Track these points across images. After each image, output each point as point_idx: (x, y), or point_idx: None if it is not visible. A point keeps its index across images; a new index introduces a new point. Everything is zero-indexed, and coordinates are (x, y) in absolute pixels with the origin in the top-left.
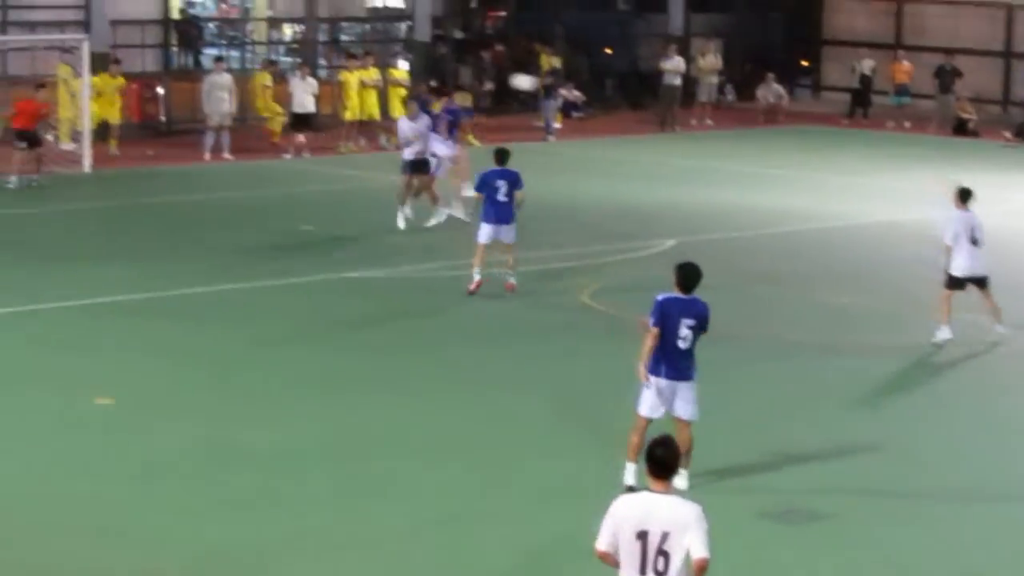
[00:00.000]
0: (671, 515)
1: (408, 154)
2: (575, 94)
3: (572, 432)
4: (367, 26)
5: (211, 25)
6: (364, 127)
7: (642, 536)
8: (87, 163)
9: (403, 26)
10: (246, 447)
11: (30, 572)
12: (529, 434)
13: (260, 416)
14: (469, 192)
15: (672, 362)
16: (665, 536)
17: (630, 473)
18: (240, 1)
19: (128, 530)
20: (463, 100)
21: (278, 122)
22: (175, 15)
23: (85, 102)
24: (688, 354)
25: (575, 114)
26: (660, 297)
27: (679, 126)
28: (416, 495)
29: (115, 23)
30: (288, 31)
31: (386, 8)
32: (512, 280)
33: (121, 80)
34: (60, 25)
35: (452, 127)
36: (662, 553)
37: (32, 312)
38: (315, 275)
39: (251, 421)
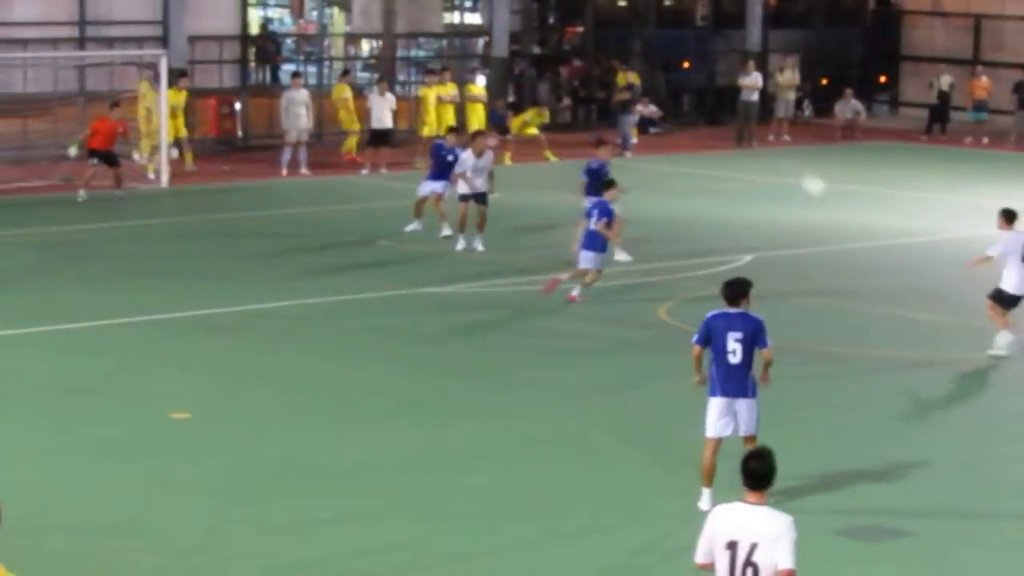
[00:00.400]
0: (761, 527)
1: (466, 187)
2: (652, 109)
3: (642, 450)
4: (444, 42)
5: (289, 41)
6: None
7: (732, 547)
8: (164, 179)
9: (480, 42)
10: (320, 465)
11: None
12: (600, 453)
13: (334, 434)
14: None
15: (726, 379)
16: (754, 547)
17: (705, 499)
18: (318, 17)
19: (212, 547)
20: (605, 154)
21: (353, 139)
22: (253, 31)
23: (163, 118)
24: (740, 369)
25: (652, 130)
26: (708, 314)
27: (756, 142)
28: (493, 512)
29: (193, 39)
30: (366, 47)
31: (463, 24)
32: (575, 293)
33: (184, 94)
34: (138, 41)
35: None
36: (750, 564)
37: (108, 326)
38: (392, 291)
39: (324, 439)
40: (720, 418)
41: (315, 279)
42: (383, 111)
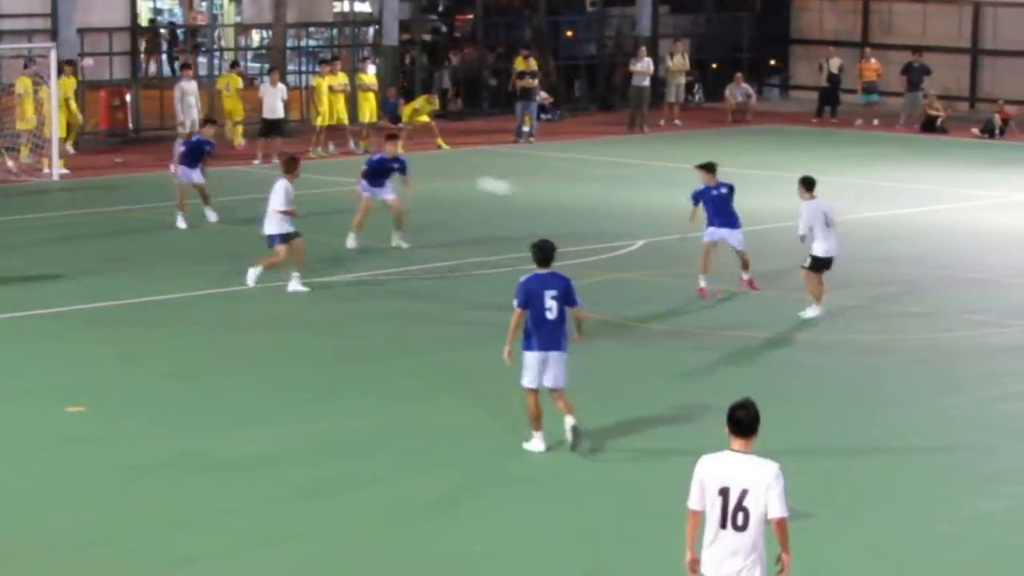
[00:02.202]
0: (751, 473)
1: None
2: (543, 96)
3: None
4: (335, 31)
5: (179, 32)
6: (333, 132)
7: (723, 492)
8: (54, 172)
9: (371, 31)
10: (216, 457)
11: None
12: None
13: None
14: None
15: (543, 334)
16: (744, 493)
17: (538, 440)
18: (208, 7)
19: (110, 539)
20: (391, 148)
21: (238, 130)
22: (143, 22)
23: (54, 111)
24: (555, 325)
25: (543, 116)
26: (523, 279)
27: (648, 127)
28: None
29: (83, 31)
30: (256, 37)
31: (354, 13)
32: (745, 276)
33: (72, 80)
34: (28, 34)
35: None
36: (741, 509)
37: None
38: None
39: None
40: (534, 370)
41: (208, 268)
42: (275, 101)
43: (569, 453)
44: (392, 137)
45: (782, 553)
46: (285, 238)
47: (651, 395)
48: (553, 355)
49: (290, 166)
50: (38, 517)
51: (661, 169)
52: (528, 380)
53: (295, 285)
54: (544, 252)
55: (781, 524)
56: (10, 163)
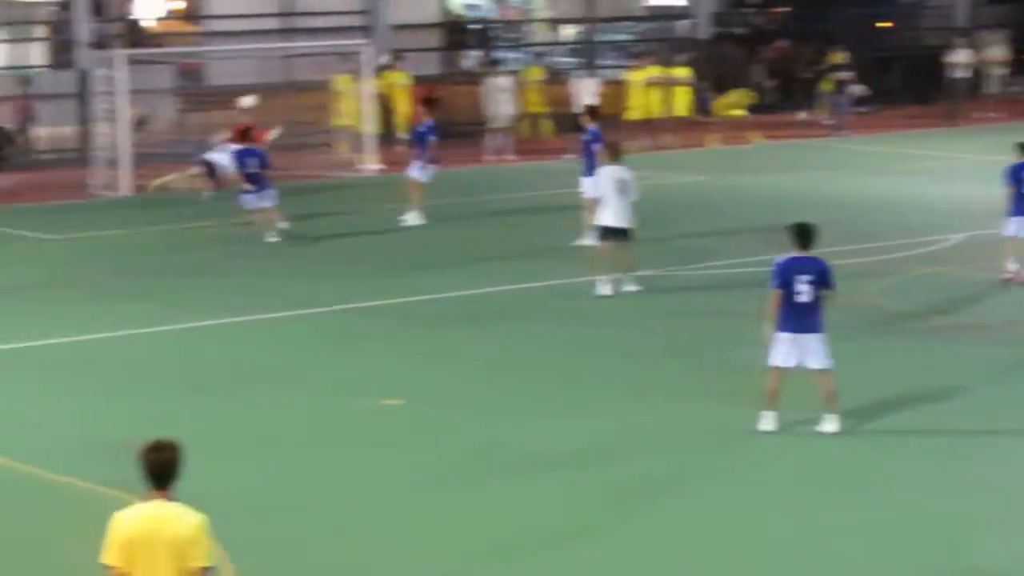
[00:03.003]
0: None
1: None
2: (858, 88)
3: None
4: (646, 24)
5: (492, 27)
6: (646, 127)
7: None
8: (369, 167)
9: (682, 24)
10: (525, 450)
11: (333, 572)
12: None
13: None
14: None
15: (795, 316)
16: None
17: (769, 419)
18: (521, 3)
19: (414, 529)
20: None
21: (547, 123)
22: (456, 18)
23: (369, 106)
24: (809, 307)
25: (858, 109)
26: (778, 260)
27: (964, 119)
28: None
29: (397, 27)
30: (568, 32)
31: (665, 6)
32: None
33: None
34: (343, 31)
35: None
36: None
37: (315, 315)
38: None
39: (531, 421)
40: (783, 350)
41: (527, 264)
42: (586, 96)
43: (879, 454)
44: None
45: None
46: (616, 233)
47: (952, 392)
48: (806, 337)
49: (613, 152)
50: (348, 506)
51: (974, 163)
52: (774, 358)
53: (627, 286)
54: (803, 235)
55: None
56: (336, 158)
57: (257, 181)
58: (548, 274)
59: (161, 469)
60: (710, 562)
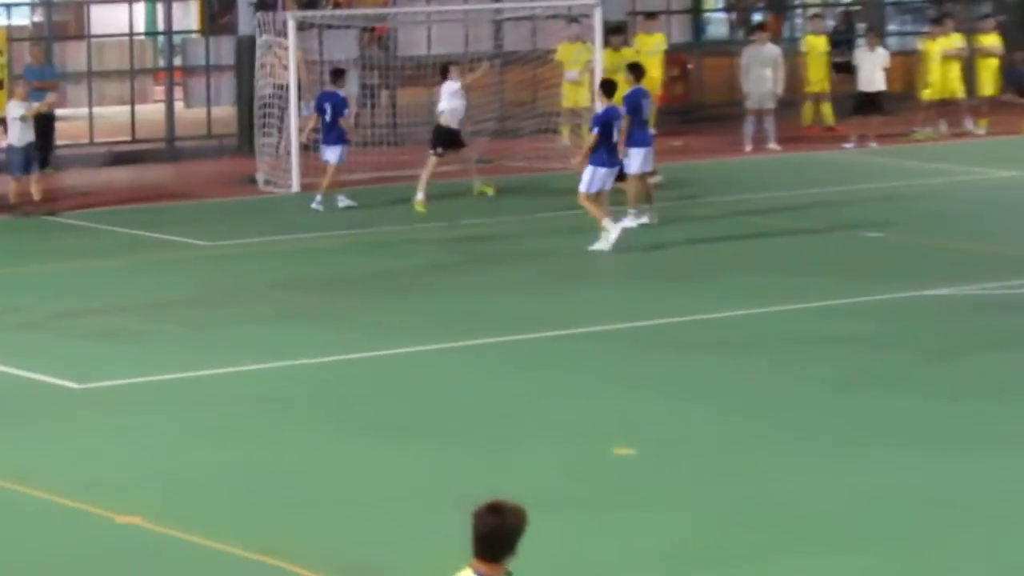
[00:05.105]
0: None
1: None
2: None
3: None
4: None
5: None
6: (944, 108)
7: None
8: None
9: None
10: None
11: None
12: None
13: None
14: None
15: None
16: None
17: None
18: None
19: None
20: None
21: (825, 106)
22: None
23: (596, 82)
24: None
25: None
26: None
27: None
28: None
29: None
30: None
31: None
32: None
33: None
34: None
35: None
36: None
37: (523, 341)
38: (893, 292)
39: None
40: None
41: (787, 279)
42: (873, 70)
43: None
44: None
45: None
46: None
47: None
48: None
49: None
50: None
51: None
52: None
53: None
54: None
55: None
56: (557, 146)
57: (329, 130)
58: (819, 292)
59: (494, 537)
60: None
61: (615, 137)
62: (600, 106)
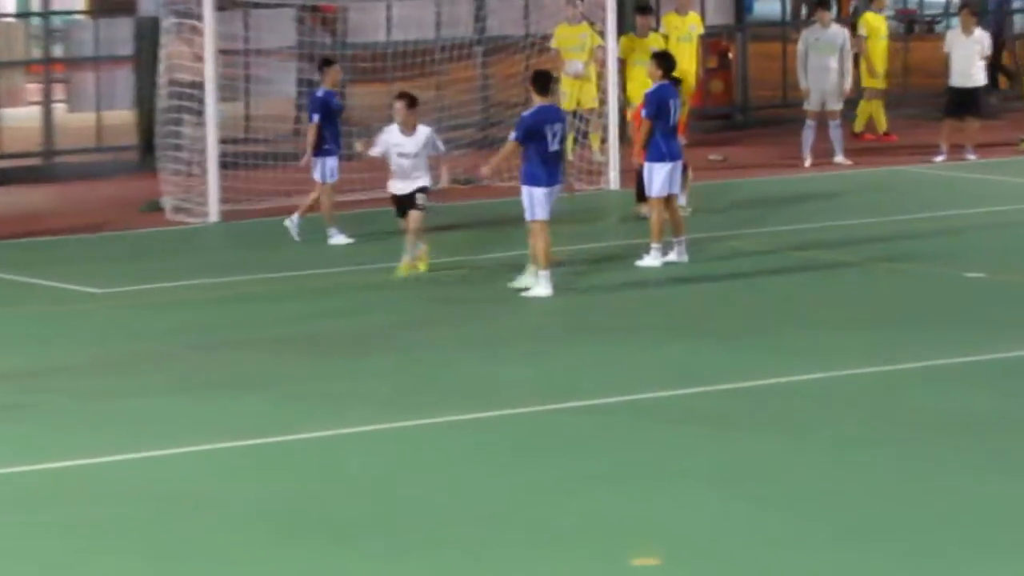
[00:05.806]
0: None
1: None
2: None
3: None
4: None
5: None
6: None
7: None
8: (612, 178)
9: None
10: None
11: None
12: None
13: None
14: None
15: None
16: None
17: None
18: None
19: None
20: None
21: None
22: None
23: (612, 78)
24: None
25: None
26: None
27: None
28: None
29: None
30: None
31: None
32: None
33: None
34: None
35: None
36: None
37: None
38: (992, 353)
39: None
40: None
41: (861, 334)
42: (968, 60)
43: None
44: None
45: None
46: None
47: None
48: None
49: None
50: None
51: None
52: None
53: None
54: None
55: None
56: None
57: (322, 140)
58: (914, 351)
59: None
60: None
61: (672, 119)
62: (653, 83)
